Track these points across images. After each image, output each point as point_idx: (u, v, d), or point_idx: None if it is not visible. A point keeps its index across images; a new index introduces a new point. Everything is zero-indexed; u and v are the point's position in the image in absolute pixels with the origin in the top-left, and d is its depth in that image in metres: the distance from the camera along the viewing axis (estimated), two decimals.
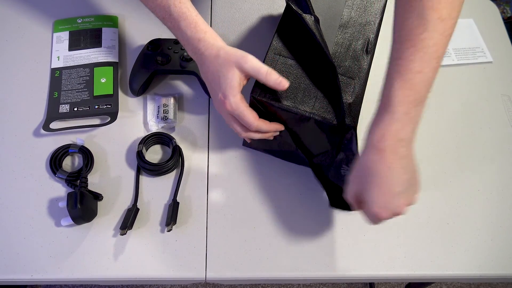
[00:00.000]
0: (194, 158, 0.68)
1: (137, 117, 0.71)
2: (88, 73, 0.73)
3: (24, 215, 0.62)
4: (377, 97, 0.51)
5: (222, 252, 0.61)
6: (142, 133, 0.69)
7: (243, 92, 0.57)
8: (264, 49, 0.63)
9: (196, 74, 0.70)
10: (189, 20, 0.57)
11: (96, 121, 0.70)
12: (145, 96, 0.72)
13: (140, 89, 0.71)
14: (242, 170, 0.67)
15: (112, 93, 0.71)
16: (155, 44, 0.72)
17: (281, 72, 0.59)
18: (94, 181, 0.65)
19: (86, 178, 0.64)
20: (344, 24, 0.64)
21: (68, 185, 0.63)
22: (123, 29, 0.79)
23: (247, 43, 0.79)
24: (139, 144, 0.66)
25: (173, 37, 0.62)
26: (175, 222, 0.62)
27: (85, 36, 0.77)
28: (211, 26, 0.81)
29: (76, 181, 0.64)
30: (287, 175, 0.67)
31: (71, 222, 0.59)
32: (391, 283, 1.34)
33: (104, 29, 0.78)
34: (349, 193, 0.53)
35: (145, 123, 0.70)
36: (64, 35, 0.77)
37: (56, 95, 0.71)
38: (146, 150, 0.67)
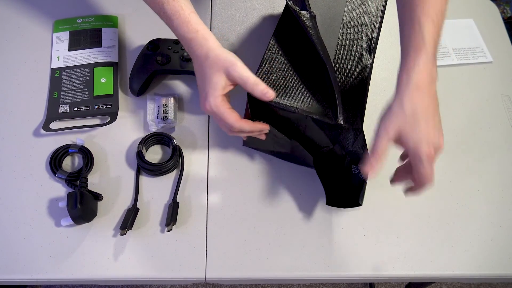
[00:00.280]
0: (194, 158, 0.68)
1: (137, 117, 0.71)
2: (88, 73, 0.73)
3: (24, 215, 0.62)
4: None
5: (222, 252, 0.61)
6: (142, 133, 0.69)
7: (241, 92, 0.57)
8: (263, 49, 0.63)
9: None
10: (182, 18, 0.57)
11: (96, 121, 0.70)
12: (145, 96, 0.72)
13: (140, 89, 0.71)
14: (242, 170, 0.67)
15: (112, 93, 0.71)
16: (155, 44, 0.72)
17: (278, 71, 0.59)
18: (94, 181, 0.65)
19: (86, 178, 0.63)
20: (345, 24, 0.64)
21: (68, 185, 0.63)
22: (123, 29, 0.79)
23: (247, 43, 0.79)
24: (139, 144, 0.66)
25: (173, 37, 0.62)
26: (175, 222, 0.62)
27: (85, 36, 0.77)
28: (211, 26, 0.81)
29: (76, 181, 0.64)
30: (287, 175, 0.67)
31: (71, 222, 0.59)
32: (391, 283, 1.34)
33: (104, 29, 0.78)
34: (389, 132, 0.51)
35: (145, 123, 0.70)
36: (64, 35, 0.77)
37: (56, 95, 0.71)
38: (146, 150, 0.67)
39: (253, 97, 0.57)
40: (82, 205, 0.58)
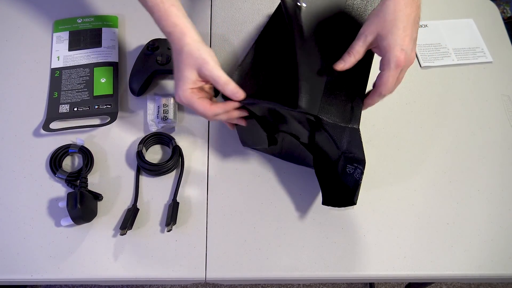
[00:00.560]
0: (194, 158, 0.68)
1: (137, 117, 0.71)
2: (88, 73, 0.73)
3: (24, 215, 0.62)
4: None
5: (222, 252, 0.61)
6: (142, 133, 0.69)
7: None
8: None
9: None
10: (161, 12, 0.58)
11: (96, 121, 0.70)
12: (145, 96, 0.72)
13: (140, 89, 0.71)
14: (242, 170, 0.67)
15: (112, 93, 0.71)
16: (155, 44, 0.72)
17: (257, 64, 0.61)
18: (94, 181, 0.65)
19: (86, 178, 0.64)
20: (345, 24, 0.64)
21: (68, 185, 0.63)
22: (123, 29, 0.79)
23: (247, 43, 0.79)
24: (139, 144, 0.66)
25: None
26: (175, 222, 0.62)
27: (85, 36, 0.77)
28: (211, 26, 0.81)
29: (76, 181, 0.64)
30: (287, 175, 0.67)
31: (71, 222, 0.59)
32: (391, 283, 1.34)
33: (104, 29, 0.78)
34: (367, 36, 0.54)
35: (145, 123, 0.70)
36: (64, 35, 0.77)
37: (56, 95, 0.71)
38: (146, 150, 0.67)
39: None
40: (82, 205, 0.58)
